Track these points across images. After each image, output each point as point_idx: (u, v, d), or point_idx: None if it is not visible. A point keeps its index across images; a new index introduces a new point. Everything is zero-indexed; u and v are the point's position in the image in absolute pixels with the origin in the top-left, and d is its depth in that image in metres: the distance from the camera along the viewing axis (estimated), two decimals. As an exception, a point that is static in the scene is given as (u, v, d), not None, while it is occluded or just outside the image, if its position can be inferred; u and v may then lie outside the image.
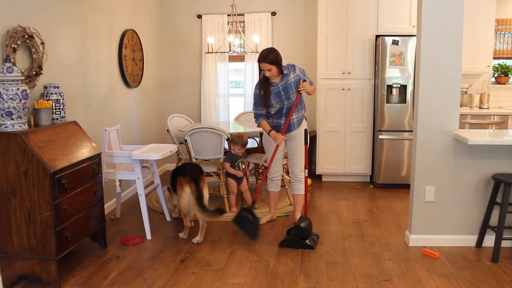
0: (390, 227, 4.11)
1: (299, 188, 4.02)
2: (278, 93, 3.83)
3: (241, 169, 4.45)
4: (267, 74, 3.76)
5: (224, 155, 4.51)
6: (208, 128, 4.34)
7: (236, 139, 4.37)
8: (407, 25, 5.30)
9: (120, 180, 3.95)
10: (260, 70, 3.79)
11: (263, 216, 4.24)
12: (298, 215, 4.05)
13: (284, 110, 3.86)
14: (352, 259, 3.42)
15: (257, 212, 4.28)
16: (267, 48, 3.80)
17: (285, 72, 3.81)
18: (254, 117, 3.99)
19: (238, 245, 3.69)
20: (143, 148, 4.00)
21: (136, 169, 3.82)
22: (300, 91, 3.79)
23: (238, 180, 4.47)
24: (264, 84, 3.84)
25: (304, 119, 3.99)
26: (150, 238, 3.84)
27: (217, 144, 4.37)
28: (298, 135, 3.91)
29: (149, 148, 4.04)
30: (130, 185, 5.13)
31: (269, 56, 3.69)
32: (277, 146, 3.87)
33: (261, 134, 5.18)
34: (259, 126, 3.97)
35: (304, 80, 3.80)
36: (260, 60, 3.73)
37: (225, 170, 4.46)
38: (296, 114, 3.88)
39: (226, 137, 4.36)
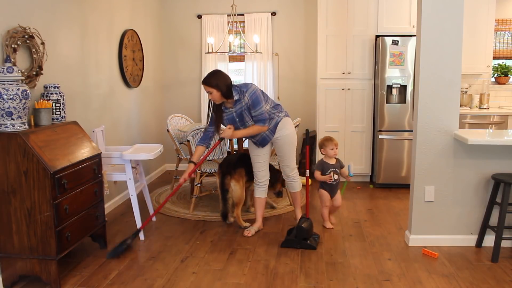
0: (390, 227, 4.11)
1: (294, 186, 3.98)
2: (233, 119, 3.68)
3: (334, 180, 3.94)
4: (209, 97, 3.58)
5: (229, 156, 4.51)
6: None
7: (324, 142, 3.98)
8: (407, 25, 5.30)
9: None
10: None
11: (250, 227, 3.94)
12: (298, 211, 4.08)
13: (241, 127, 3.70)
14: (352, 259, 3.42)
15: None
16: (212, 71, 3.64)
17: (235, 98, 3.58)
18: (203, 133, 3.81)
19: (238, 245, 3.70)
20: (131, 149, 3.91)
21: (127, 169, 3.74)
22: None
23: (332, 191, 4.01)
24: (216, 107, 3.66)
25: (282, 120, 3.76)
26: (143, 239, 3.82)
27: (220, 144, 4.35)
28: (281, 137, 3.77)
29: (136, 149, 3.96)
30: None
31: (209, 79, 3.52)
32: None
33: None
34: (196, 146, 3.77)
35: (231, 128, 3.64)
36: (202, 82, 3.59)
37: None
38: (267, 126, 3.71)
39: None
